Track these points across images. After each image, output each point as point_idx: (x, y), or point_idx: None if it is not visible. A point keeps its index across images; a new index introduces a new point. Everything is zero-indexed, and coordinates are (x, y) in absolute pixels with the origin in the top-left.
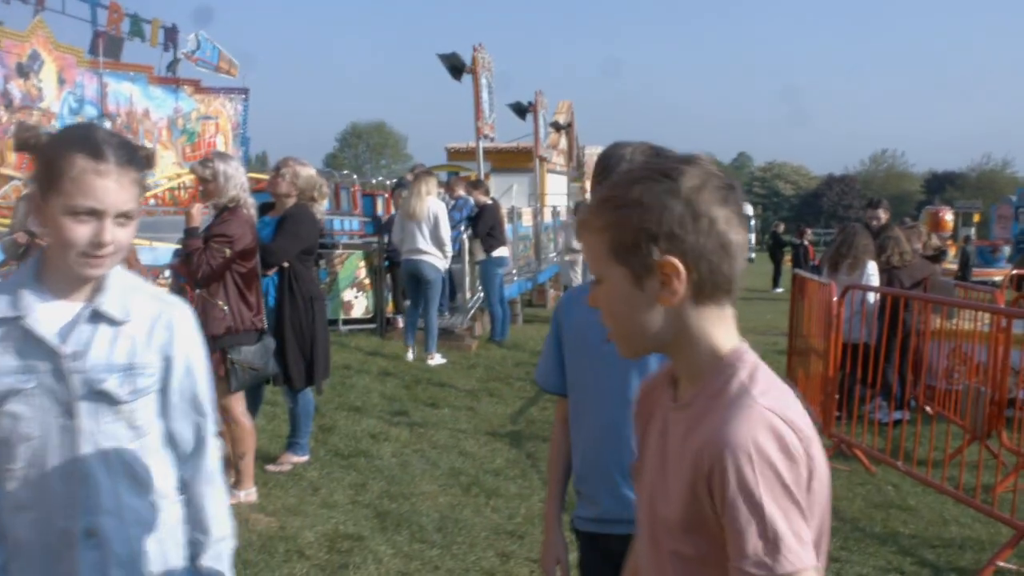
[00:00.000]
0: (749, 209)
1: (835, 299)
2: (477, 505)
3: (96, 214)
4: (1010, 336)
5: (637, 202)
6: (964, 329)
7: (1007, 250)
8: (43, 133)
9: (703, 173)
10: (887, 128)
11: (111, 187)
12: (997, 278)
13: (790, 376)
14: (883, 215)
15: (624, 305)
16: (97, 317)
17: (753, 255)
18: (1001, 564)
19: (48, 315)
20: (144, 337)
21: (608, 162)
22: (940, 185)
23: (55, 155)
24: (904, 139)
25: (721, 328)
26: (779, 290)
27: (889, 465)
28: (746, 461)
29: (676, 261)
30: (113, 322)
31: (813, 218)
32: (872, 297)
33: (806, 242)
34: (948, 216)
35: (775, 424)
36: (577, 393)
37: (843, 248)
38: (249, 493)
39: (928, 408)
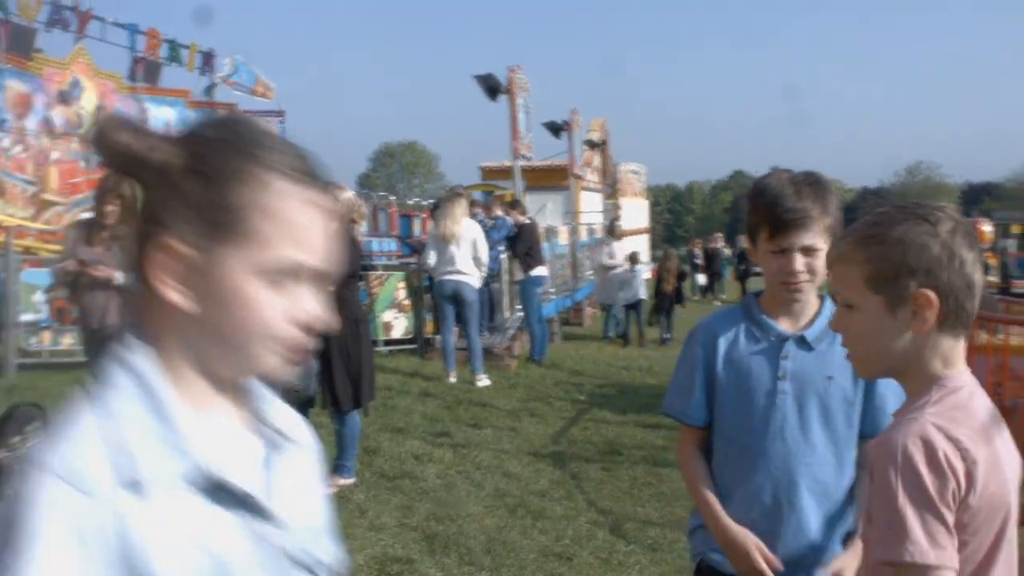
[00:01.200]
0: None
1: None
2: (524, 527)
3: (312, 278)
4: None
5: (900, 240)
6: (1010, 344)
7: None
8: (159, 134)
9: (955, 219)
10: (923, 139)
11: (328, 229)
12: None
13: None
14: None
15: (874, 330)
16: (281, 445)
17: None
18: None
19: (223, 451)
20: (310, 475)
21: (765, 191)
22: (977, 196)
23: (224, 173)
24: (940, 150)
25: (948, 356)
26: None
27: None
28: (891, 462)
29: (931, 294)
30: (289, 452)
31: None
32: None
33: None
34: (987, 228)
35: (930, 437)
36: (741, 434)
37: None
38: None
39: None
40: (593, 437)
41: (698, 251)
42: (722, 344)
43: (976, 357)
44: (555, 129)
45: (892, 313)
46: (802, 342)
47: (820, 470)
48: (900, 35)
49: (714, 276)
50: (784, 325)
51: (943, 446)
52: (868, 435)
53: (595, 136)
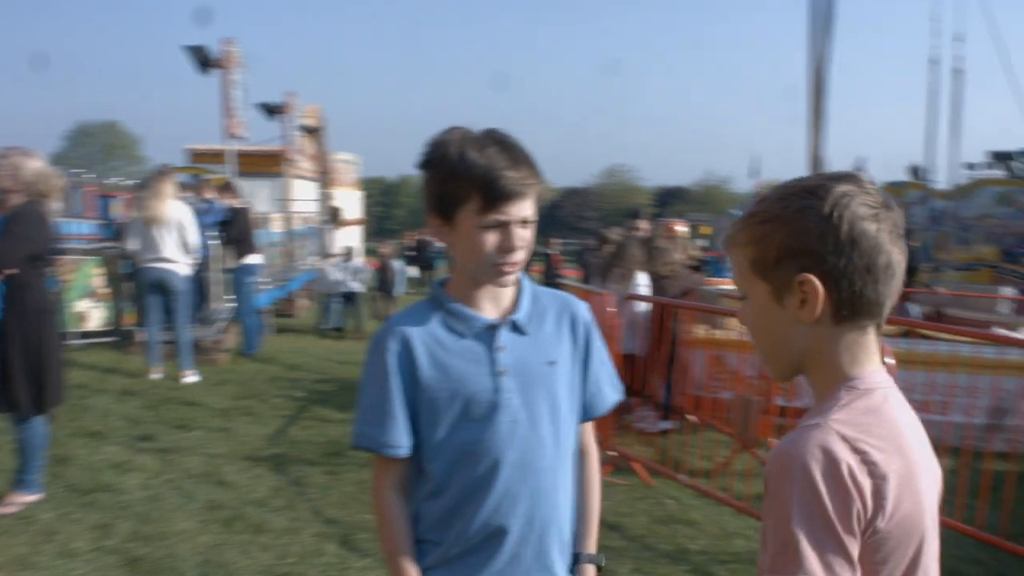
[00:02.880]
0: None
1: (611, 310)
2: (243, 543)
3: None
4: None
5: (779, 217)
6: (729, 339)
7: None
8: None
9: (852, 191)
10: (620, 143)
11: None
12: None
13: None
14: (645, 225)
15: (765, 322)
16: None
17: None
18: None
19: None
20: None
21: (466, 155)
22: (668, 198)
23: None
24: (636, 154)
25: (855, 352)
26: None
27: (668, 477)
28: (786, 477)
29: (814, 279)
30: None
31: (553, 229)
32: (642, 307)
33: (550, 252)
34: (681, 228)
35: (832, 448)
36: (466, 450)
37: (614, 259)
38: None
39: (692, 417)
40: (315, 437)
41: (411, 243)
42: (419, 347)
43: (695, 351)
44: (270, 110)
45: (779, 302)
46: (514, 328)
47: (556, 473)
48: (607, 41)
49: (426, 268)
50: (488, 312)
51: (847, 459)
52: (586, 419)
53: (310, 122)
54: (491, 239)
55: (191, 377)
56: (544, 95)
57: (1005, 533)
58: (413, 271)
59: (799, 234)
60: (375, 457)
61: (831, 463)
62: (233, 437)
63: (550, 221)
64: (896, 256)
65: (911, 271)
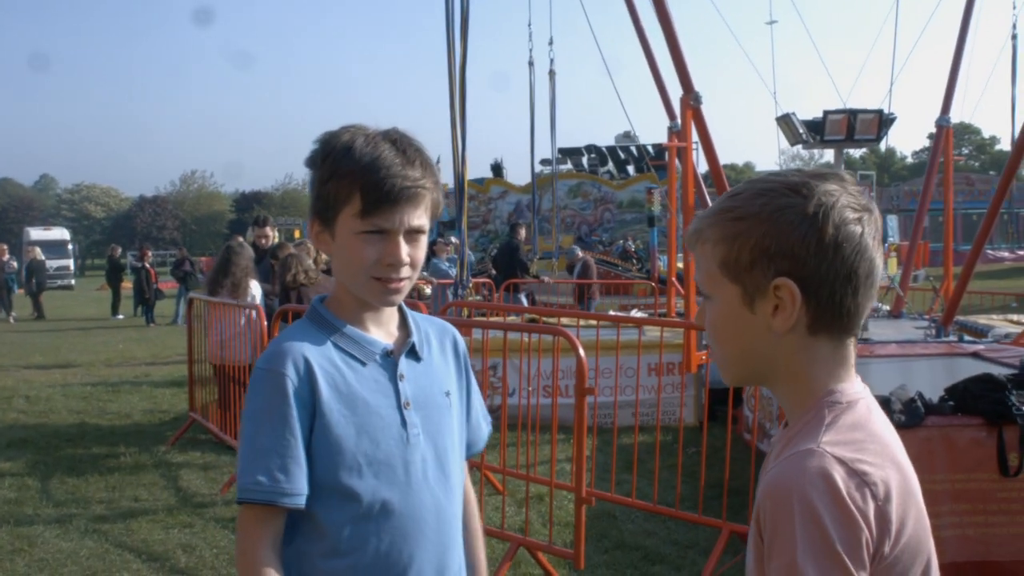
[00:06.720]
0: (65, 233)
1: (264, 323)
2: None
3: None
4: None
5: (756, 215)
6: None
7: None
8: None
9: (837, 190)
10: (195, 150)
11: None
12: None
13: (195, 407)
14: (271, 233)
15: (731, 327)
16: None
17: (73, 281)
18: None
19: None
20: None
21: (352, 151)
22: (249, 204)
23: None
24: (212, 161)
25: (830, 365)
26: (120, 317)
27: None
28: (785, 513)
29: (793, 285)
30: None
31: (128, 240)
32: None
33: (147, 265)
34: (269, 231)
35: (832, 473)
36: (377, 501)
37: (220, 273)
38: None
39: None
40: None
41: None
42: (320, 375)
43: None
44: None
45: (750, 306)
46: (412, 353)
47: (458, 522)
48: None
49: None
50: (378, 335)
51: (847, 483)
52: (467, 457)
53: None
54: (370, 249)
55: None
56: (107, 98)
57: (665, 501)
58: None
59: (778, 235)
60: (253, 509)
61: (832, 490)
62: None
63: (125, 231)
64: (878, 263)
65: (523, 265)
